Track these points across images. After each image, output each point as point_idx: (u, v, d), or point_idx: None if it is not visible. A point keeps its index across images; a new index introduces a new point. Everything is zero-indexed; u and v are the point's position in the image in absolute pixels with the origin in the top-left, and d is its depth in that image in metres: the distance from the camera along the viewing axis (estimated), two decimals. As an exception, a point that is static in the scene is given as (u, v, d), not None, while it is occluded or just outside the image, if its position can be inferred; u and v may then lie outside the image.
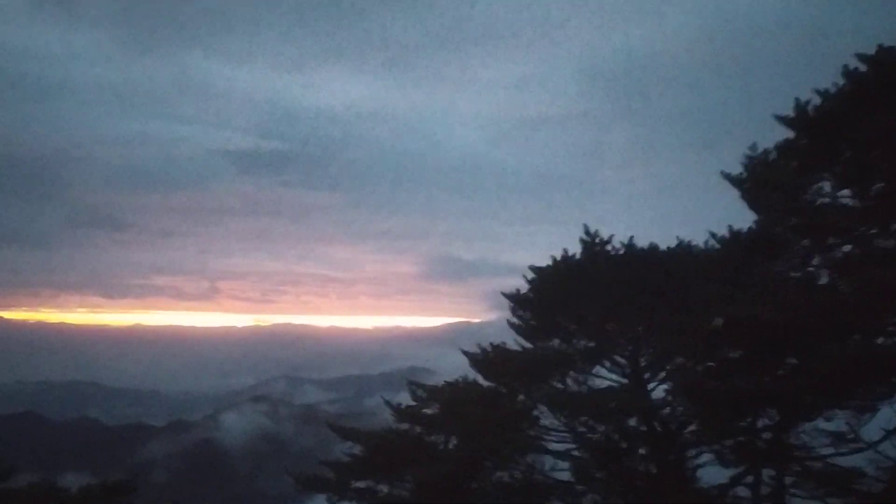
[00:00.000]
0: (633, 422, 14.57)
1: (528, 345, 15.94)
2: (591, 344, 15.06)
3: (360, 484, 17.06)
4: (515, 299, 15.66)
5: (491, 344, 15.91)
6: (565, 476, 15.08)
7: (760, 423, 13.54)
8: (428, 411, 17.19)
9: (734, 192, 13.40)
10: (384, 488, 16.80)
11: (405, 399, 17.83)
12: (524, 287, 15.58)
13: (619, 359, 14.82)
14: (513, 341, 15.99)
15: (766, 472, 13.43)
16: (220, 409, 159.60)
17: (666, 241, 14.40)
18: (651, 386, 14.70)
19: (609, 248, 14.16)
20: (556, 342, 15.63)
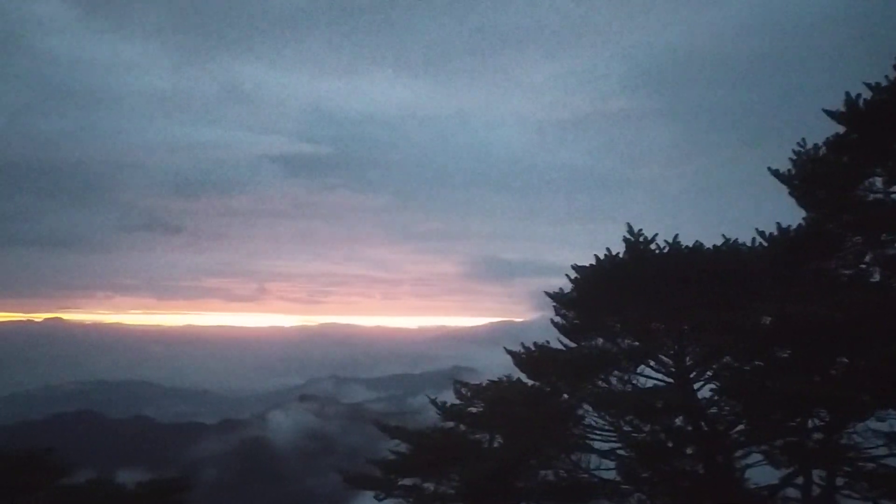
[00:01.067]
0: (679, 421, 14.43)
1: (571, 344, 15.90)
2: (636, 343, 14.96)
3: (407, 481, 17.25)
4: (559, 299, 15.64)
5: (535, 343, 15.91)
6: (611, 475, 15.03)
7: (811, 423, 13.32)
8: (473, 410, 17.28)
9: (782, 189, 13.20)
10: (430, 486, 16.96)
11: (450, 398, 17.94)
12: (567, 286, 15.56)
13: (664, 358, 14.70)
14: (556, 340, 16.01)
15: (817, 473, 13.19)
16: (268, 407, 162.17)
17: (711, 240, 14.23)
18: (697, 385, 14.54)
19: (653, 246, 14.04)
20: (600, 341, 15.55)
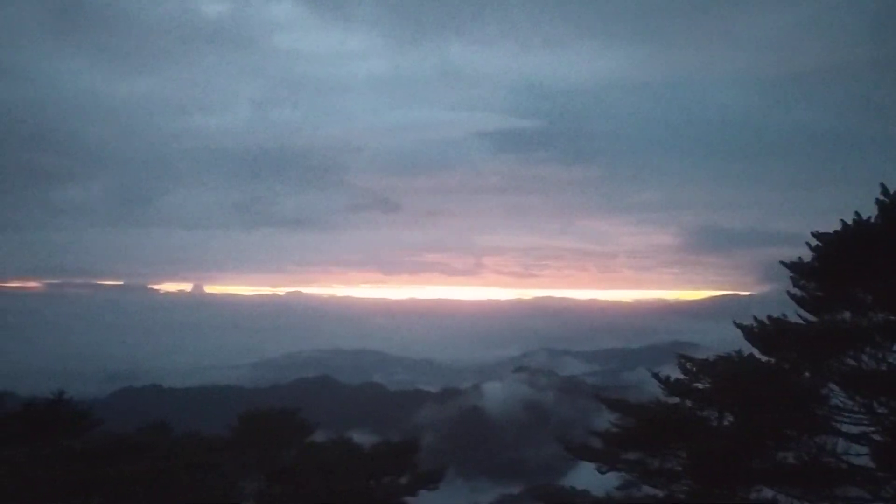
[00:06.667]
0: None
1: (812, 318, 14.59)
2: (893, 317, 13.37)
3: (630, 456, 16.96)
4: (798, 269, 14.37)
5: (769, 316, 14.83)
6: (862, 461, 13.65)
7: None
8: (699, 386, 16.56)
9: None
10: (655, 462, 16.54)
11: (672, 373, 17.33)
12: (807, 255, 14.27)
13: (928, 334, 13.00)
14: (791, 314, 14.79)
15: None
16: (485, 378, 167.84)
17: None
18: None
19: (915, 208, 12.40)
20: (847, 315, 14.09)
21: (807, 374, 14.56)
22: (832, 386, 14.04)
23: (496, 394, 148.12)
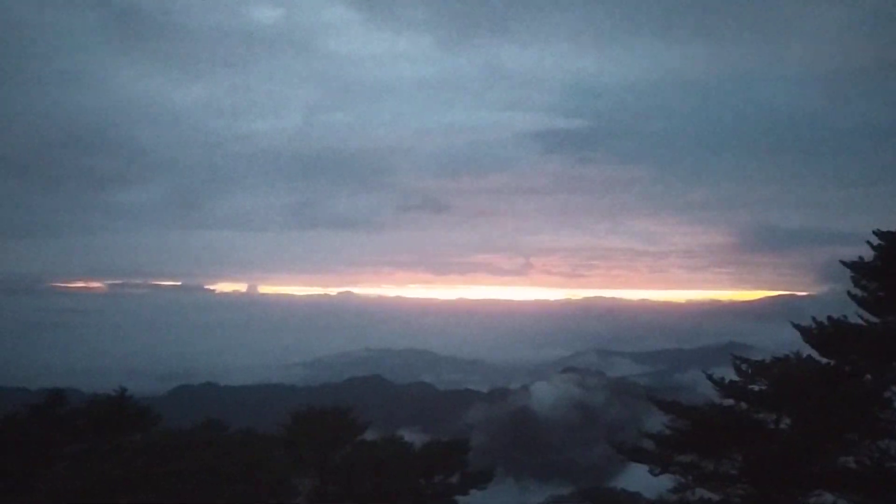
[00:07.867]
0: None
1: (875, 319, 14.19)
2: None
3: (683, 458, 16.68)
4: (859, 268, 13.99)
5: (829, 317, 14.46)
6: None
7: None
8: (755, 388, 16.20)
9: None
10: (709, 465, 16.23)
11: (725, 374, 16.98)
12: (868, 255, 13.90)
13: None
14: (851, 315, 14.40)
15: None
16: (534, 378, 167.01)
17: None
18: None
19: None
20: (911, 316, 13.70)
21: (869, 376, 14.19)
22: (895, 389, 13.67)
23: (545, 394, 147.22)
